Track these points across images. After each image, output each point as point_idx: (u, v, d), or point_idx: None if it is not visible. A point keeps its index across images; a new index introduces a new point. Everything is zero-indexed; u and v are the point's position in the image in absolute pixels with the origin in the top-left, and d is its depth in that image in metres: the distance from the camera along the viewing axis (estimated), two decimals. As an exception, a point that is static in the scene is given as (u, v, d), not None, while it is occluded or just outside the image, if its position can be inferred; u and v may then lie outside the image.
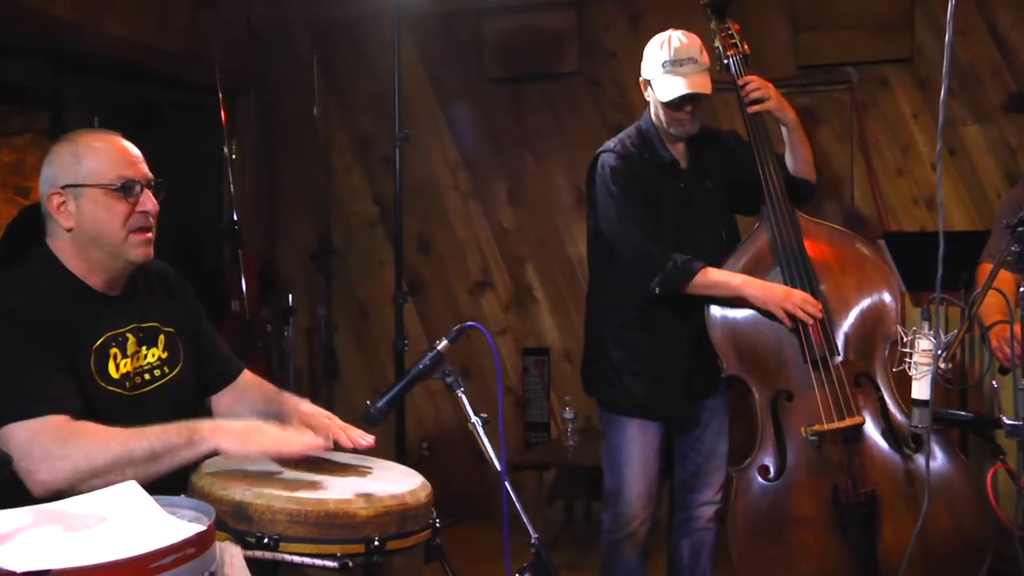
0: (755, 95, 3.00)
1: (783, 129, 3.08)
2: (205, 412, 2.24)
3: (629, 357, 3.05)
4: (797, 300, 2.82)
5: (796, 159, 3.07)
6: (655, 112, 2.98)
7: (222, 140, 4.83)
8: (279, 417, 2.10)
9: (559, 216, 5.04)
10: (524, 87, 5.03)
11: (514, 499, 1.97)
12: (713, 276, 2.87)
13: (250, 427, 1.90)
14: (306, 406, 2.16)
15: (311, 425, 2.05)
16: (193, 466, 1.88)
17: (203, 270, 5.04)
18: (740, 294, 2.84)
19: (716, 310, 2.93)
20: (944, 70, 1.84)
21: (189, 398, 2.16)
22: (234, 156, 4.93)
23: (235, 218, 4.77)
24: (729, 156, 3.11)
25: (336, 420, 2.10)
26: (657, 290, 2.88)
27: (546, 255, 5.07)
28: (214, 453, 1.86)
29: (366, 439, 2.02)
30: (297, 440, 1.90)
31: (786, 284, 2.88)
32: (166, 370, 2.10)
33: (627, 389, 3.04)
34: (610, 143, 3.02)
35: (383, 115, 4.56)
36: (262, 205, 5.40)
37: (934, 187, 4.37)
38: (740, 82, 3.02)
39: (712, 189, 3.07)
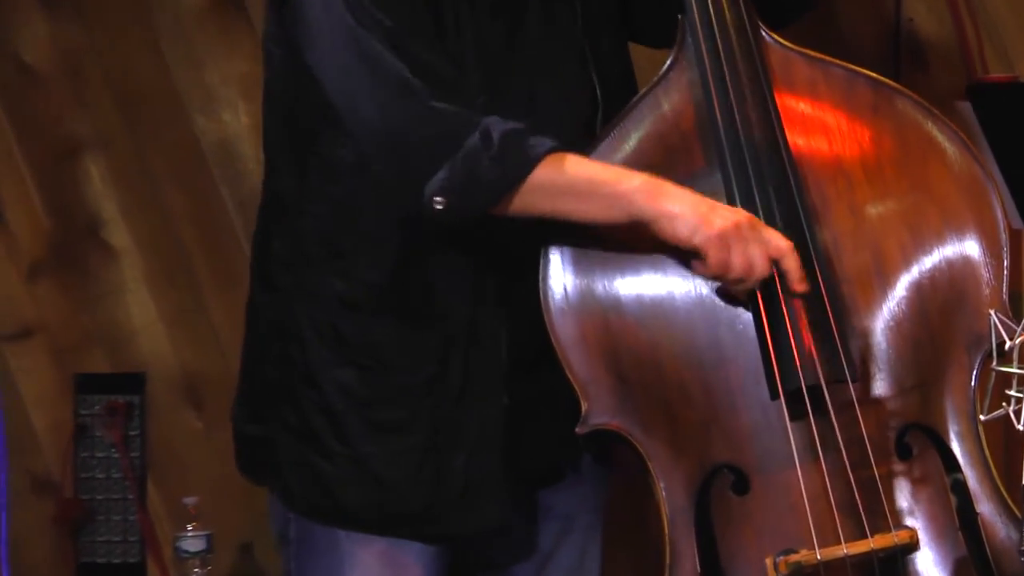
0: None
1: None
2: None
3: (367, 383, 2.78)
4: (763, 237, 2.62)
5: None
6: None
7: None
8: None
9: (177, 39, 4.40)
10: None
11: None
12: (574, 169, 2.78)
13: None
14: None
15: None
16: None
17: None
18: (632, 213, 2.66)
19: (561, 266, 2.75)
20: None
21: None
22: None
23: None
24: None
25: None
26: (439, 203, 2.67)
27: (137, 137, 4.46)
28: None
29: None
30: None
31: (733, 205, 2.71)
32: None
33: (358, 464, 2.77)
34: None
35: None
36: None
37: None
38: None
39: None
